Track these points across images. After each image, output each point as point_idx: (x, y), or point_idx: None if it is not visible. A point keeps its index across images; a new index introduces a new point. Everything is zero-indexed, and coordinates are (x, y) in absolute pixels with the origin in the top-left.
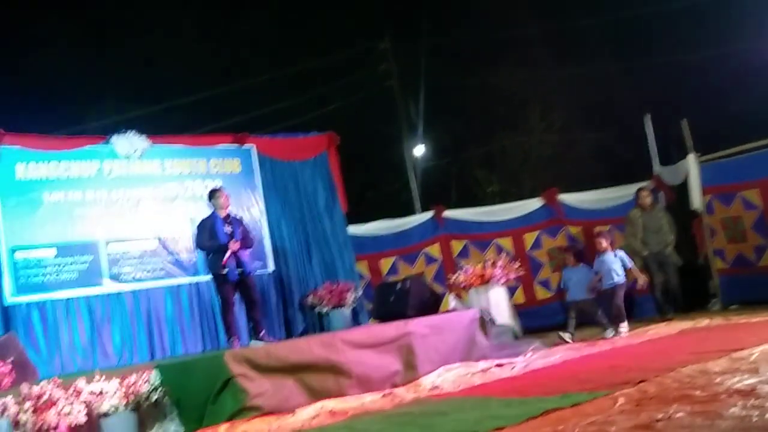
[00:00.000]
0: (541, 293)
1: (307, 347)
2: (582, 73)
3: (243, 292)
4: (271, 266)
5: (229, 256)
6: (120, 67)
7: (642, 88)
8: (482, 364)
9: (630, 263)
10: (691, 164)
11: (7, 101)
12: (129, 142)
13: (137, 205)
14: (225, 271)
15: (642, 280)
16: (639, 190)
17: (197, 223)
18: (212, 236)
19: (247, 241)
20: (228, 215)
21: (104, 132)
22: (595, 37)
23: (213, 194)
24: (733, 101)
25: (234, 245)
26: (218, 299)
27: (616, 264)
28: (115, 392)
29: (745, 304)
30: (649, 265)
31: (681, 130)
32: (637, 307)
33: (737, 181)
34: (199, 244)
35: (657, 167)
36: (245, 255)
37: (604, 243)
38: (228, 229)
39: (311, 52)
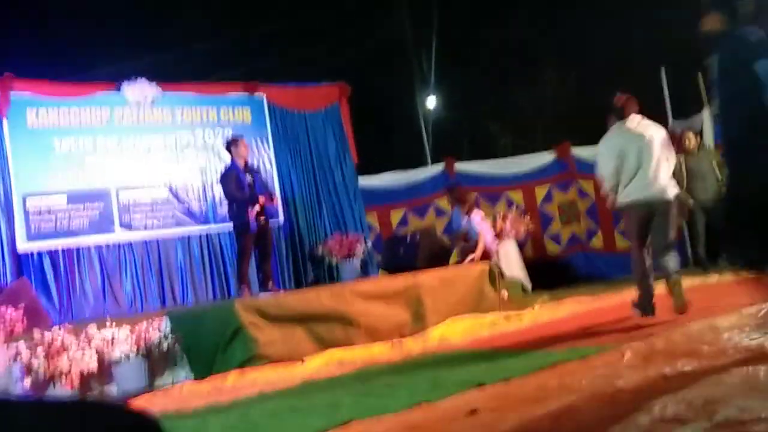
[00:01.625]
0: (552, 247)
1: (317, 298)
2: (598, 26)
3: (259, 243)
4: (281, 217)
5: (256, 208)
6: (130, 13)
7: (658, 42)
8: (490, 317)
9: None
10: (706, 118)
11: (17, 47)
12: (140, 90)
13: (148, 153)
14: (247, 221)
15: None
16: (683, 131)
17: (221, 177)
18: (237, 187)
19: (271, 195)
20: (246, 163)
21: (115, 79)
22: None
23: (234, 143)
24: None
25: (262, 199)
26: (236, 248)
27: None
28: (126, 339)
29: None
30: (695, 215)
31: (697, 84)
32: None
33: None
34: (230, 194)
35: (671, 121)
36: (271, 206)
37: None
38: (249, 178)
39: (323, 1)
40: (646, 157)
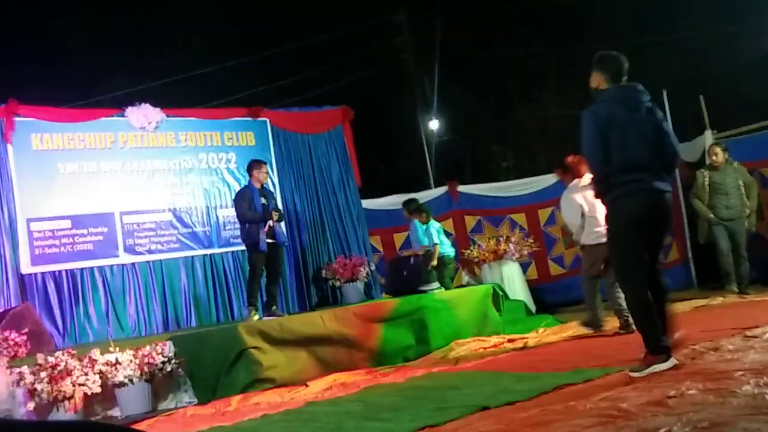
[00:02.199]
0: (555, 269)
1: (320, 320)
2: (600, 48)
3: (269, 263)
4: (284, 235)
5: (267, 226)
6: (135, 39)
7: (659, 64)
8: (494, 339)
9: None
10: (708, 141)
11: (22, 73)
12: (144, 114)
13: (152, 177)
14: (259, 240)
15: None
16: (711, 146)
17: (235, 196)
18: (250, 207)
19: (281, 215)
20: (262, 186)
21: (119, 104)
22: (614, 11)
23: (256, 166)
24: (750, 78)
25: (274, 215)
26: (239, 271)
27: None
28: (130, 363)
29: (760, 283)
30: (714, 231)
31: (698, 107)
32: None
33: (755, 159)
34: (241, 214)
35: None
36: (278, 226)
37: None
38: (263, 200)
39: (326, 25)
40: (599, 209)
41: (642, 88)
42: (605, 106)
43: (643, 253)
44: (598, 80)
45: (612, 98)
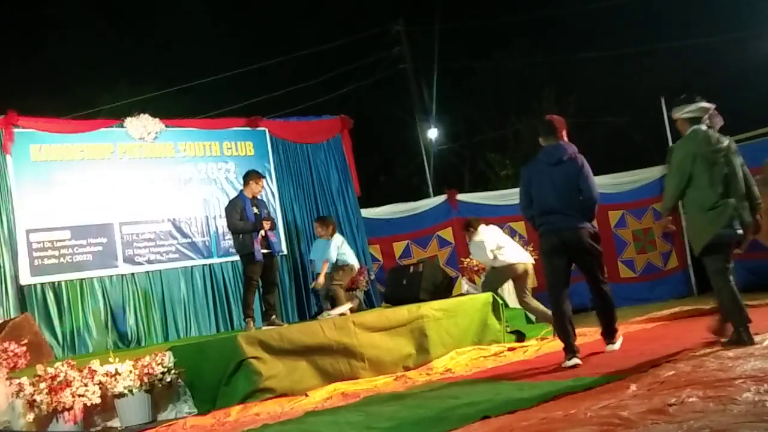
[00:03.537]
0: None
1: (320, 330)
2: (598, 56)
3: (265, 273)
4: (284, 249)
5: (260, 236)
6: (134, 50)
7: (659, 72)
8: (494, 348)
9: None
10: None
11: (21, 84)
12: (143, 125)
13: (151, 187)
14: (254, 250)
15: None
16: None
17: (227, 205)
18: (242, 217)
19: (273, 223)
20: (254, 197)
21: (118, 115)
22: (612, 20)
23: (255, 178)
24: (751, 85)
25: (266, 224)
26: (239, 281)
27: None
28: (130, 373)
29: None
30: None
31: None
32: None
33: (753, 166)
34: (232, 224)
35: None
36: (273, 236)
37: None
38: (255, 210)
39: (325, 35)
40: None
41: (565, 144)
42: (531, 163)
43: (559, 276)
44: (540, 140)
45: (538, 156)
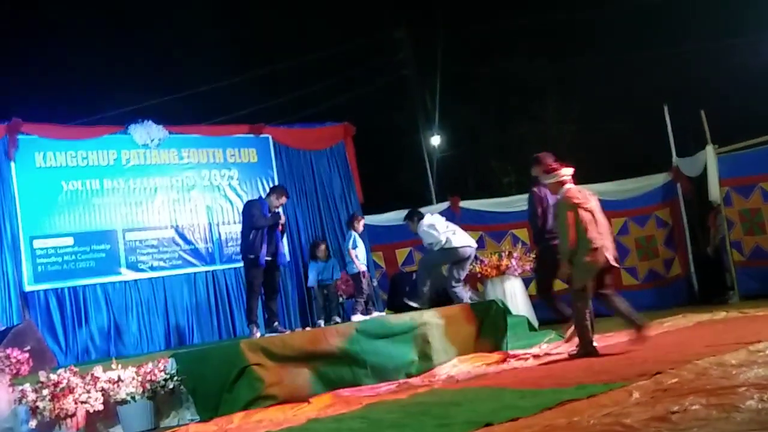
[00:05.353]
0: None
1: (323, 337)
2: (600, 63)
3: (267, 280)
4: (287, 256)
5: (268, 240)
6: (138, 57)
7: (661, 79)
8: (497, 355)
9: None
10: (709, 156)
11: (25, 91)
12: (146, 132)
13: (154, 194)
14: (259, 254)
15: None
16: None
17: (245, 204)
18: (261, 215)
19: (284, 227)
20: (270, 210)
21: (122, 121)
22: (614, 26)
23: (280, 194)
24: (751, 92)
25: (282, 219)
26: (242, 287)
27: None
28: (132, 380)
29: (762, 297)
30: None
31: (699, 122)
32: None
33: (756, 173)
34: (254, 220)
35: (675, 158)
36: (282, 246)
37: None
38: (269, 216)
39: (327, 41)
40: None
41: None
42: None
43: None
44: None
45: None
